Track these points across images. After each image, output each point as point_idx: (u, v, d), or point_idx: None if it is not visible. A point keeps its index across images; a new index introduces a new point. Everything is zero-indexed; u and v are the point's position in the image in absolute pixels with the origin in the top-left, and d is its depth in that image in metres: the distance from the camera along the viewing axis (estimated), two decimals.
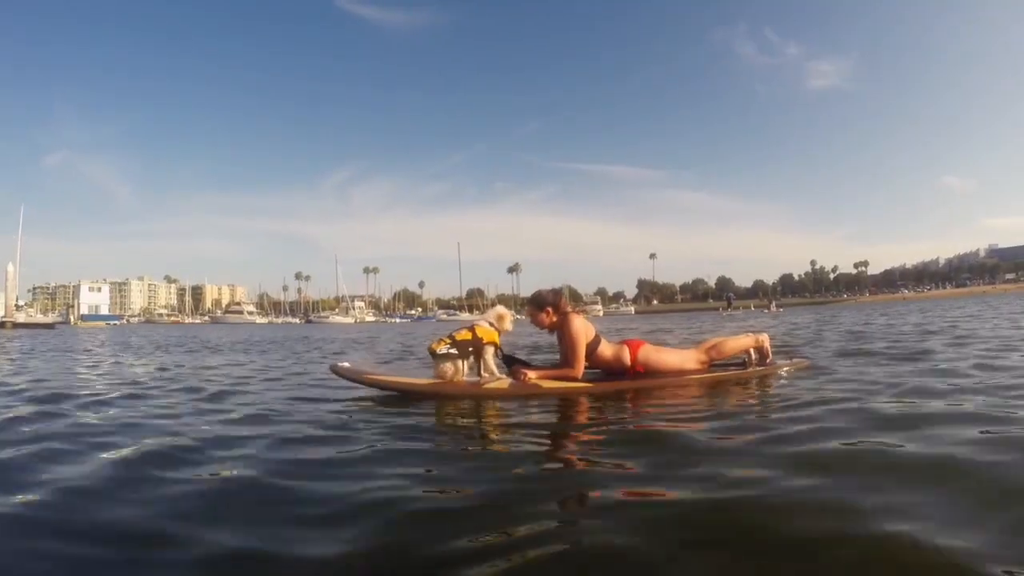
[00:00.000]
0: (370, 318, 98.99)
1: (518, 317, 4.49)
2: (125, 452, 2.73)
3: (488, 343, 4.30)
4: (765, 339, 4.79)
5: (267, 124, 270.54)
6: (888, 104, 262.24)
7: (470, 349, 4.27)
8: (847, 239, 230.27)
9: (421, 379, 4.36)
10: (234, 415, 3.67)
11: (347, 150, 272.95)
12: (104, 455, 2.67)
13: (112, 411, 3.93)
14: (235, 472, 2.36)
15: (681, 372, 4.54)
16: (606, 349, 4.51)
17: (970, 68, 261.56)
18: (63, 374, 6.90)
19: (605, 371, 4.58)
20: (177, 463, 2.53)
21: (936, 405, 3.14)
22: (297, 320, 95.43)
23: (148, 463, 2.53)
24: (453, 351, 4.23)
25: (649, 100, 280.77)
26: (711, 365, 4.69)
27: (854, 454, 2.35)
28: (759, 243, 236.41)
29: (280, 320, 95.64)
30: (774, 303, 48.12)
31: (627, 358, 4.49)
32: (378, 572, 1.54)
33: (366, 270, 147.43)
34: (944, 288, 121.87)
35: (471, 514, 1.88)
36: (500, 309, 4.49)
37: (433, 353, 4.30)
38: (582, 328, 4.36)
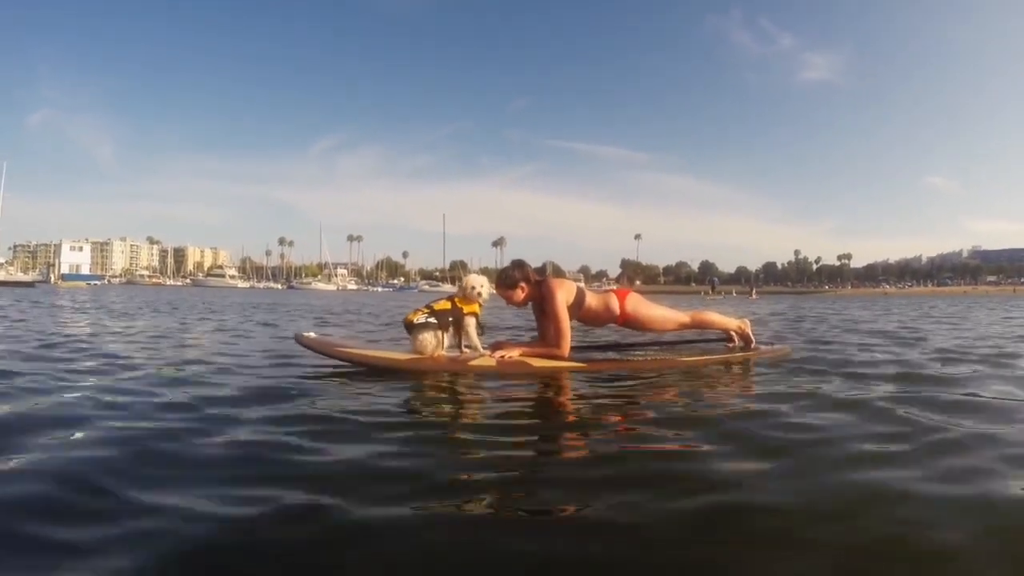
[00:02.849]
0: (352, 286, 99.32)
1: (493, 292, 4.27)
2: None
3: (469, 313, 4.05)
4: (747, 324, 4.85)
5: (253, 89, 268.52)
6: (877, 100, 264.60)
7: (450, 320, 4.02)
8: (831, 232, 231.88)
9: (397, 353, 4.07)
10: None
11: (334, 118, 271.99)
12: None
13: None
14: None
15: (663, 327, 4.66)
16: (592, 300, 4.40)
17: (959, 70, 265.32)
18: None
19: (594, 323, 4.58)
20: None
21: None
22: (279, 286, 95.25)
23: None
24: (432, 320, 3.97)
25: (640, 82, 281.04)
26: (691, 337, 5.09)
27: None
28: (744, 230, 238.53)
29: (262, 285, 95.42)
30: (754, 290, 48.59)
31: (616, 307, 4.44)
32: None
33: (350, 238, 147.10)
34: (926, 286, 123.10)
35: (453, 500, 1.75)
36: (473, 277, 4.17)
37: (409, 325, 4.02)
38: (563, 298, 4.17)
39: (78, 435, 2.30)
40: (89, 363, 4.17)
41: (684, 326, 4.75)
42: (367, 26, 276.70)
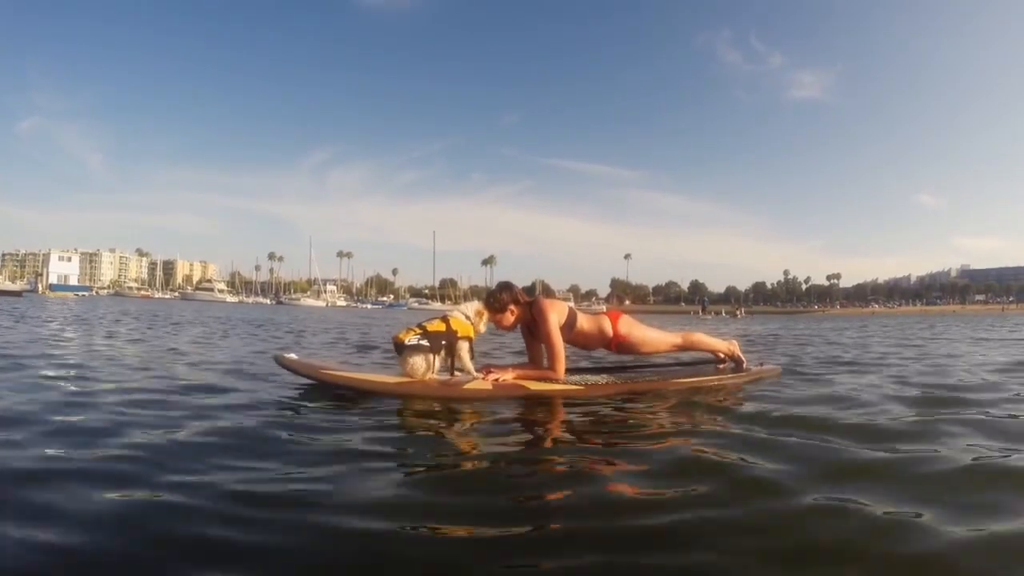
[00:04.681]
0: (341, 302, 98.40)
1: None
2: None
3: (463, 337, 3.89)
4: (736, 345, 4.88)
5: (245, 102, 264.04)
6: (867, 117, 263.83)
7: (443, 343, 3.83)
8: (821, 250, 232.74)
9: (386, 376, 3.92)
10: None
11: (325, 132, 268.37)
12: None
13: None
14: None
15: (656, 349, 4.65)
16: (585, 323, 4.30)
17: (948, 87, 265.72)
18: None
19: (586, 346, 4.49)
20: None
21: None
22: (268, 301, 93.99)
23: None
24: (424, 343, 3.78)
25: (631, 100, 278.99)
26: (681, 354, 5.12)
27: None
28: (734, 249, 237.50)
29: (251, 300, 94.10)
30: (742, 310, 49.28)
31: (609, 329, 4.36)
32: None
33: (340, 254, 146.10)
34: (914, 305, 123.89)
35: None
36: (479, 305, 4.11)
37: (399, 345, 3.83)
38: (556, 319, 4.06)
39: None
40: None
41: (676, 347, 4.71)
42: (359, 39, 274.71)
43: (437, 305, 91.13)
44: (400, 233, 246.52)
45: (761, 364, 5.17)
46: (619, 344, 4.43)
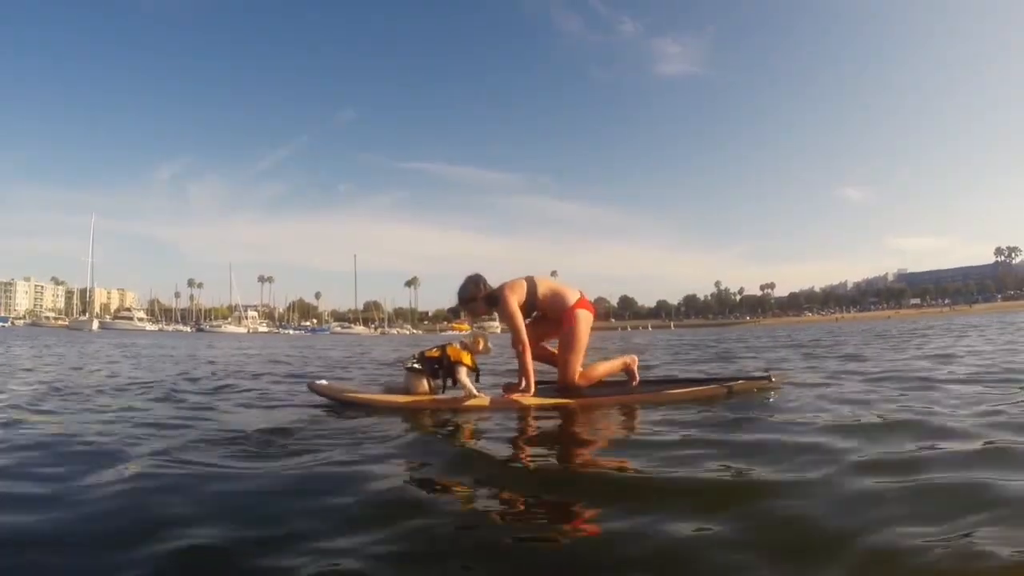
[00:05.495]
0: (263, 328, 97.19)
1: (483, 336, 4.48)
2: None
3: (456, 362, 4.27)
4: (634, 361, 4.97)
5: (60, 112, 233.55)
6: (758, 97, 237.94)
7: (436, 367, 4.31)
8: (748, 258, 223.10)
9: (397, 396, 4.36)
10: None
11: (168, 145, 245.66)
12: None
13: None
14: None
15: (566, 369, 4.67)
16: (546, 287, 4.69)
17: (859, 59, 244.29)
18: None
19: (544, 312, 4.75)
20: None
21: None
22: (188, 328, 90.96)
23: None
24: (417, 366, 4.31)
25: (473, 90, 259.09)
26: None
27: None
28: (656, 262, 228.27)
29: (171, 328, 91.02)
30: (650, 324, 48.73)
31: (571, 299, 4.68)
32: None
33: (261, 279, 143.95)
34: (849, 312, 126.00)
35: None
36: (477, 334, 4.43)
37: (404, 367, 4.44)
38: (515, 301, 4.53)
39: None
40: None
41: (580, 381, 4.70)
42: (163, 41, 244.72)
43: (360, 329, 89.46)
44: (288, 252, 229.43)
45: (769, 371, 5.19)
46: (568, 325, 4.64)
